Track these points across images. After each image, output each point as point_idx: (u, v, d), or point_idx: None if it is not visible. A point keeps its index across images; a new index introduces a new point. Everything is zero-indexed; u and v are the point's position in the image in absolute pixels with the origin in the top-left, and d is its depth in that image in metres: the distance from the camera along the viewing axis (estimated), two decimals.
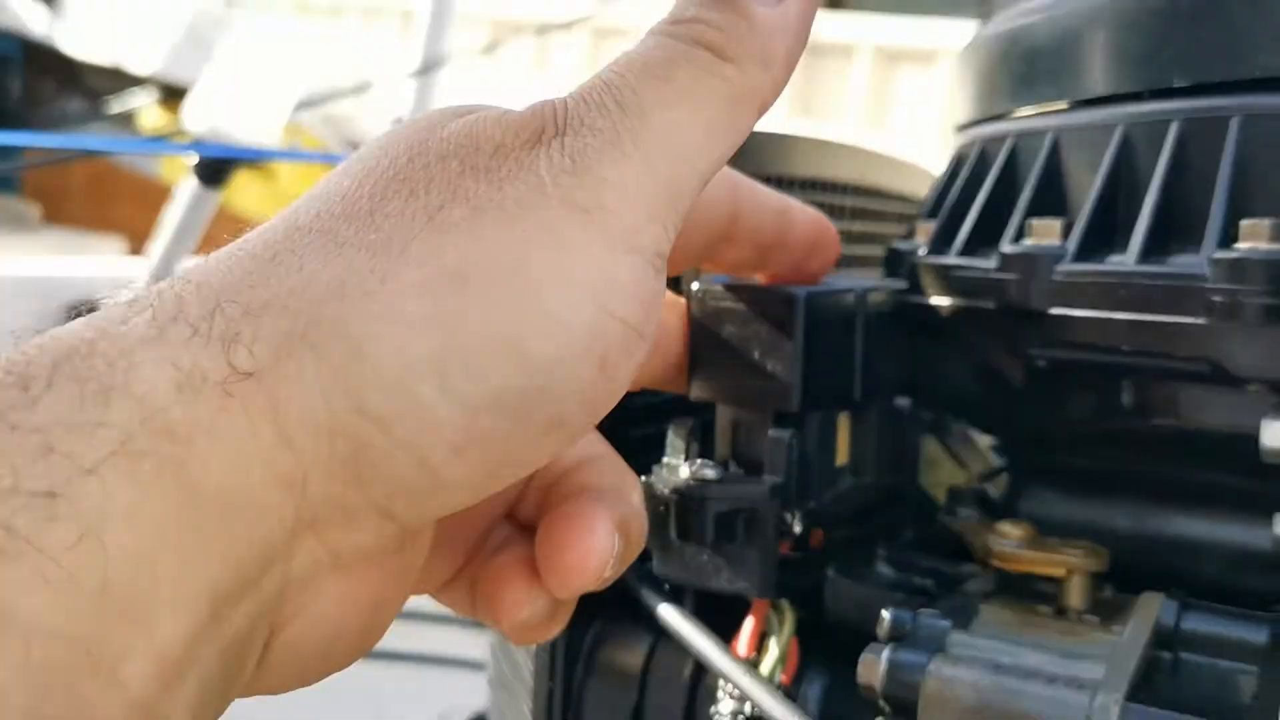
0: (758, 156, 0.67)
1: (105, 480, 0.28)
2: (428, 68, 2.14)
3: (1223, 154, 0.53)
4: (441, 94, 2.20)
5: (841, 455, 0.59)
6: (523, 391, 0.34)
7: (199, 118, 2.47)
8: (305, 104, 2.52)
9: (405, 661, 1.81)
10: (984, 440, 0.71)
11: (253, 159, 2.41)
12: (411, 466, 0.33)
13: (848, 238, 0.77)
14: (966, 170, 0.66)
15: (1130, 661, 0.48)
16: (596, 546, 0.42)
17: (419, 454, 0.33)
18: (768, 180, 0.58)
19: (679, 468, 0.54)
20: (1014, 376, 0.60)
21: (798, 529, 0.54)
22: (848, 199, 0.77)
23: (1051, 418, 0.61)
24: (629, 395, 0.52)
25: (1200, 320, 0.49)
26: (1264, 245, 0.48)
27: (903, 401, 0.65)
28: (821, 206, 0.72)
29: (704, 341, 0.55)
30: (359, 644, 0.38)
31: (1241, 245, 0.49)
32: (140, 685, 0.28)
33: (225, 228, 0.39)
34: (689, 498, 0.52)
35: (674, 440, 0.56)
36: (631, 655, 0.62)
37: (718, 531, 0.52)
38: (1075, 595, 0.53)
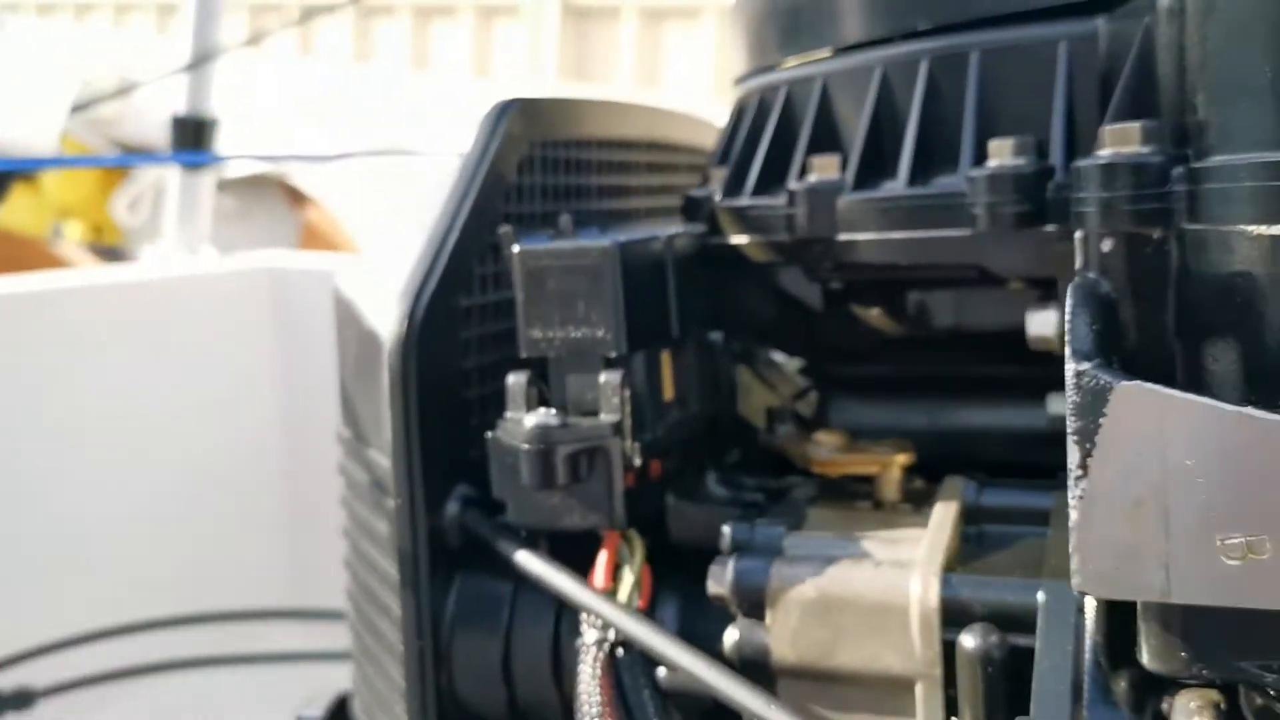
0: (550, 121, 0.72)
1: None
2: (199, 61, 2.08)
3: (967, 85, 0.60)
4: (215, 87, 2.15)
5: (668, 391, 0.64)
6: None
7: None
8: (77, 107, 2.42)
9: (250, 664, 1.79)
10: (791, 364, 0.78)
11: (30, 169, 2.30)
12: None
13: (645, 191, 0.82)
14: (749, 119, 0.72)
15: (943, 539, 0.55)
16: None
17: None
18: (564, 144, 0.62)
19: (523, 419, 0.59)
20: (811, 301, 0.66)
21: (638, 461, 0.59)
22: (642, 155, 0.83)
23: (847, 334, 0.68)
24: (461, 357, 0.56)
25: (963, 231, 0.57)
26: (1009, 161, 0.56)
27: (715, 335, 0.71)
28: (616, 165, 0.77)
29: (531, 298, 0.60)
30: None
31: (991, 163, 0.56)
32: None
33: None
34: (539, 444, 0.57)
35: (514, 394, 0.60)
36: (495, 607, 0.67)
37: (568, 472, 0.57)
38: (889, 488, 0.60)
